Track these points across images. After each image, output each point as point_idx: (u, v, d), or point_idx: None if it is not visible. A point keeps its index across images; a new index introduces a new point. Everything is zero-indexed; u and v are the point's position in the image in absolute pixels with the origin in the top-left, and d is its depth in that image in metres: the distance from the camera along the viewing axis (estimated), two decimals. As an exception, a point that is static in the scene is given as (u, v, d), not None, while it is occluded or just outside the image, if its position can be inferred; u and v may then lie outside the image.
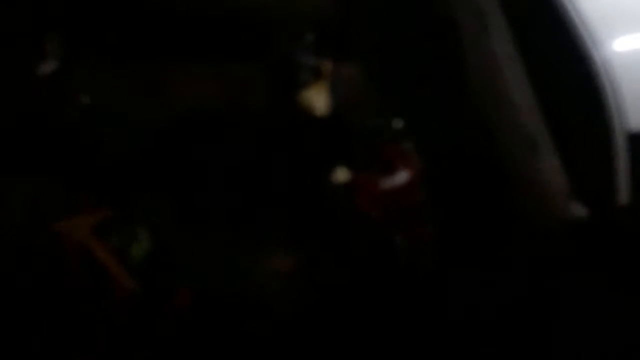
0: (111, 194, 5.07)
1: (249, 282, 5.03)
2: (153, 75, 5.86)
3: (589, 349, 4.52)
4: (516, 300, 4.84)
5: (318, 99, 5.06)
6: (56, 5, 5.02)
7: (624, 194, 4.69)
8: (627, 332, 4.55)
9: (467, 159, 5.70)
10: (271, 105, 5.39)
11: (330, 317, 4.82)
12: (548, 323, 4.75)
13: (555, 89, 5.12)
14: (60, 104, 5.31)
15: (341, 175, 4.91)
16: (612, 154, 4.70)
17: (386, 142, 4.79)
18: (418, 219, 5.01)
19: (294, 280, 5.04)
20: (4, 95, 5.30)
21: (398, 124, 4.85)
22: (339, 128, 5.10)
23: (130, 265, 4.90)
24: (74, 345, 4.64)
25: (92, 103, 5.36)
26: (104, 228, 4.89)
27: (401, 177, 4.74)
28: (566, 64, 5.00)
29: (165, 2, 6.08)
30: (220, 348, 4.76)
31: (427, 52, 6.18)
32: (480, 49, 5.61)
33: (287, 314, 4.90)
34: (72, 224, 4.87)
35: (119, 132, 5.49)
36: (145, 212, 5.11)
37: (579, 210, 4.88)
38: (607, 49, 4.77)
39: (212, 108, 5.79)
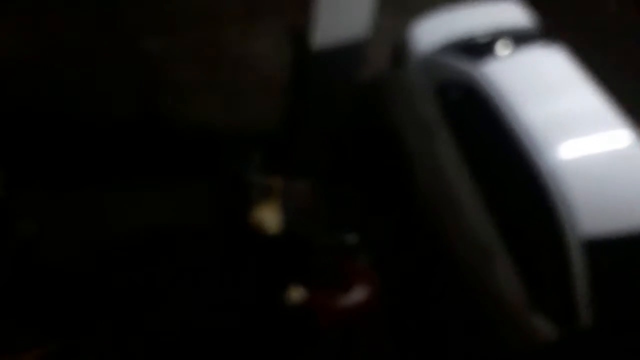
0: (56, 327, 4.80)
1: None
2: (97, 200, 5.75)
3: None
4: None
5: (270, 217, 4.97)
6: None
7: (584, 310, 4.58)
8: None
9: (423, 271, 5.66)
10: (221, 224, 5.27)
11: None
12: None
13: (507, 198, 5.12)
14: (4, 233, 5.10)
15: (296, 294, 4.75)
16: (568, 263, 4.66)
17: (342, 258, 4.66)
18: (377, 333, 4.84)
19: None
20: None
21: (353, 239, 4.75)
22: (292, 245, 4.98)
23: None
24: None
25: (37, 230, 5.16)
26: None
27: (358, 293, 4.60)
28: (514, 173, 5.04)
29: (111, 142, 6.09)
30: None
31: (375, 164, 6.27)
32: (426, 156, 5.67)
33: None
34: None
35: (66, 259, 5.32)
36: (92, 345, 4.84)
37: (543, 325, 4.76)
38: (552, 156, 4.84)
39: (160, 229, 5.70)
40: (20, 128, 5.39)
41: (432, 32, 5.89)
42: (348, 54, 5.44)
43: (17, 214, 5.17)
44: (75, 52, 6.62)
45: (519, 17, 5.28)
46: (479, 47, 5.61)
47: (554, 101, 5.16)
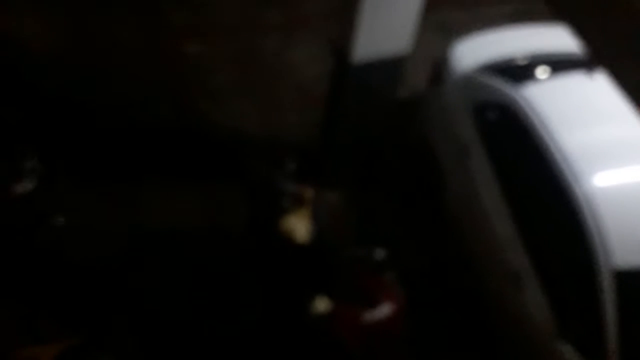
0: (77, 321, 4.66)
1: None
2: (128, 198, 5.61)
3: None
4: None
5: (299, 226, 4.80)
6: (36, 129, 4.84)
7: (612, 342, 4.31)
8: None
9: (450, 292, 5.45)
10: (250, 229, 5.12)
11: None
12: None
13: (539, 223, 4.88)
14: (33, 225, 4.98)
15: (321, 304, 4.57)
16: (598, 293, 4.39)
17: (369, 273, 4.47)
18: (399, 351, 4.64)
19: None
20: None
21: (380, 254, 4.55)
22: (320, 256, 4.81)
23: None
24: None
25: (67, 224, 5.03)
26: (67, 357, 4.42)
27: (383, 310, 4.39)
28: (548, 198, 4.80)
29: (150, 126, 5.99)
30: None
31: (407, 180, 6.09)
32: (459, 175, 5.46)
33: None
34: (33, 353, 4.39)
35: (91, 253, 5.19)
36: (111, 341, 4.70)
37: (570, 355, 4.49)
38: (589, 184, 4.59)
39: (188, 230, 5.53)
40: (58, 122, 5.30)
41: (474, 51, 5.68)
42: (387, 69, 5.26)
43: (48, 207, 5.04)
44: (119, 51, 6.55)
45: (565, 42, 5.07)
46: (520, 70, 5.38)
47: (593, 128, 4.92)
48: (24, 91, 4.97)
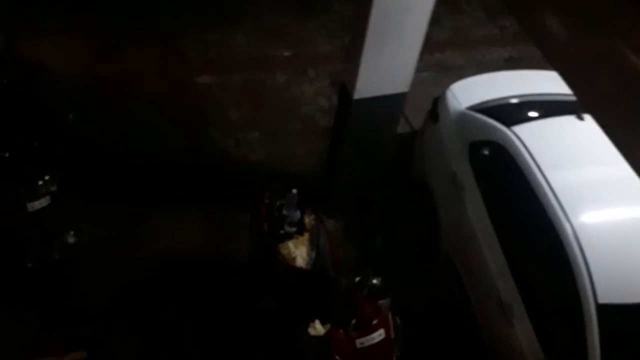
0: (83, 335, 4.65)
1: None
2: (138, 220, 5.64)
3: None
4: None
5: (300, 252, 4.79)
6: (52, 150, 4.89)
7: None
8: None
9: (443, 321, 5.42)
10: (255, 253, 5.12)
11: None
12: None
13: (528, 257, 4.87)
14: (45, 241, 4.99)
15: (317, 327, 4.55)
16: (583, 326, 4.35)
17: (364, 298, 4.46)
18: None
19: None
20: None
21: (376, 281, 4.54)
22: (318, 280, 4.79)
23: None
24: None
25: (77, 242, 5.05)
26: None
27: (377, 336, 4.37)
28: (537, 233, 4.79)
29: (156, 156, 6.05)
30: None
31: (404, 212, 6.09)
32: (454, 213, 5.47)
33: None
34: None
35: (99, 272, 5.20)
36: (116, 357, 4.67)
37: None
38: (576, 221, 4.57)
39: (193, 253, 5.54)
40: (74, 144, 5.36)
41: (470, 91, 5.73)
42: (388, 105, 5.32)
43: (60, 225, 5.06)
44: (135, 78, 6.65)
45: (556, 85, 5.12)
46: (513, 110, 5.44)
47: (581, 168, 4.94)
48: (42, 114, 5.02)
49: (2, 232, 4.98)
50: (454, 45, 7.60)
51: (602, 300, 4.32)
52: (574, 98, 5.25)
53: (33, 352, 4.43)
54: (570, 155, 5.03)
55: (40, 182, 4.74)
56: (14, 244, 4.97)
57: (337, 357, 4.41)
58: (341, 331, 4.40)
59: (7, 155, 4.71)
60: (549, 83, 5.53)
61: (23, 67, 5.33)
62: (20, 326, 4.79)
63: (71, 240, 5.04)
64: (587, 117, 5.14)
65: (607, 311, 4.31)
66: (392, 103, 5.34)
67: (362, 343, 4.37)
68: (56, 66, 6.30)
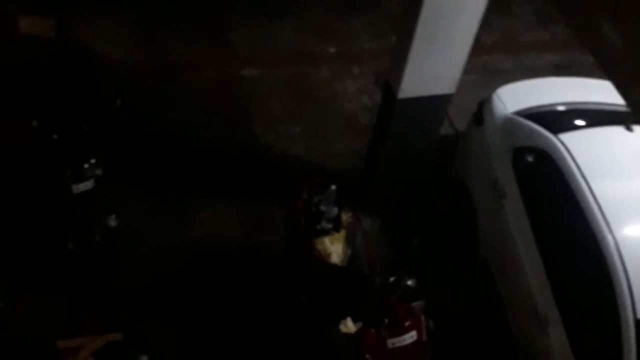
0: (118, 318, 4.73)
1: None
2: (179, 205, 5.71)
3: None
4: None
5: (335, 249, 4.78)
6: (101, 136, 4.98)
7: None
8: None
9: (477, 326, 5.35)
10: (290, 247, 5.12)
11: None
12: None
13: (567, 267, 4.77)
14: (87, 223, 5.07)
15: (349, 325, 4.54)
16: (620, 341, 4.26)
17: (398, 299, 4.42)
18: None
19: None
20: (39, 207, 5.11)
21: (410, 282, 4.50)
22: (352, 278, 4.77)
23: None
24: None
25: (118, 226, 5.12)
26: (106, 352, 4.47)
27: (409, 337, 4.34)
28: (578, 244, 4.69)
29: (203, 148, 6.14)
30: None
31: (442, 214, 6.03)
32: (494, 218, 5.39)
33: None
34: (76, 344, 4.44)
35: (138, 257, 5.26)
36: (149, 340, 4.73)
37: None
38: (619, 234, 4.46)
39: (231, 239, 5.60)
40: (122, 131, 5.45)
41: (517, 96, 5.63)
42: (432, 106, 5.26)
43: (104, 208, 5.12)
44: (183, 69, 6.71)
45: (607, 94, 4.99)
46: (560, 117, 5.32)
47: (627, 179, 4.82)
48: (92, 99, 5.10)
49: (46, 212, 5.09)
50: (502, 48, 7.48)
51: (641, 315, 4.23)
52: (623, 108, 5.16)
53: (69, 330, 4.52)
54: (616, 167, 4.91)
55: (86, 165, 4.81)
56: (57, 224, 5.06)
57: (367, 356, 4.39)
58: (373, 330, 4.38)
59: (55, 137, 4.80)
60: (598, 91, 5.42)
61: (75, 51, 5.42)
62: (58, 305, 4.87)
63: (113, 224, 5.10)
64: (636, 128, 5.01)
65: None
66: (436, 104, 5.28)
67: (393, 344, 4.34)
68: (106, 52, 6.37)
